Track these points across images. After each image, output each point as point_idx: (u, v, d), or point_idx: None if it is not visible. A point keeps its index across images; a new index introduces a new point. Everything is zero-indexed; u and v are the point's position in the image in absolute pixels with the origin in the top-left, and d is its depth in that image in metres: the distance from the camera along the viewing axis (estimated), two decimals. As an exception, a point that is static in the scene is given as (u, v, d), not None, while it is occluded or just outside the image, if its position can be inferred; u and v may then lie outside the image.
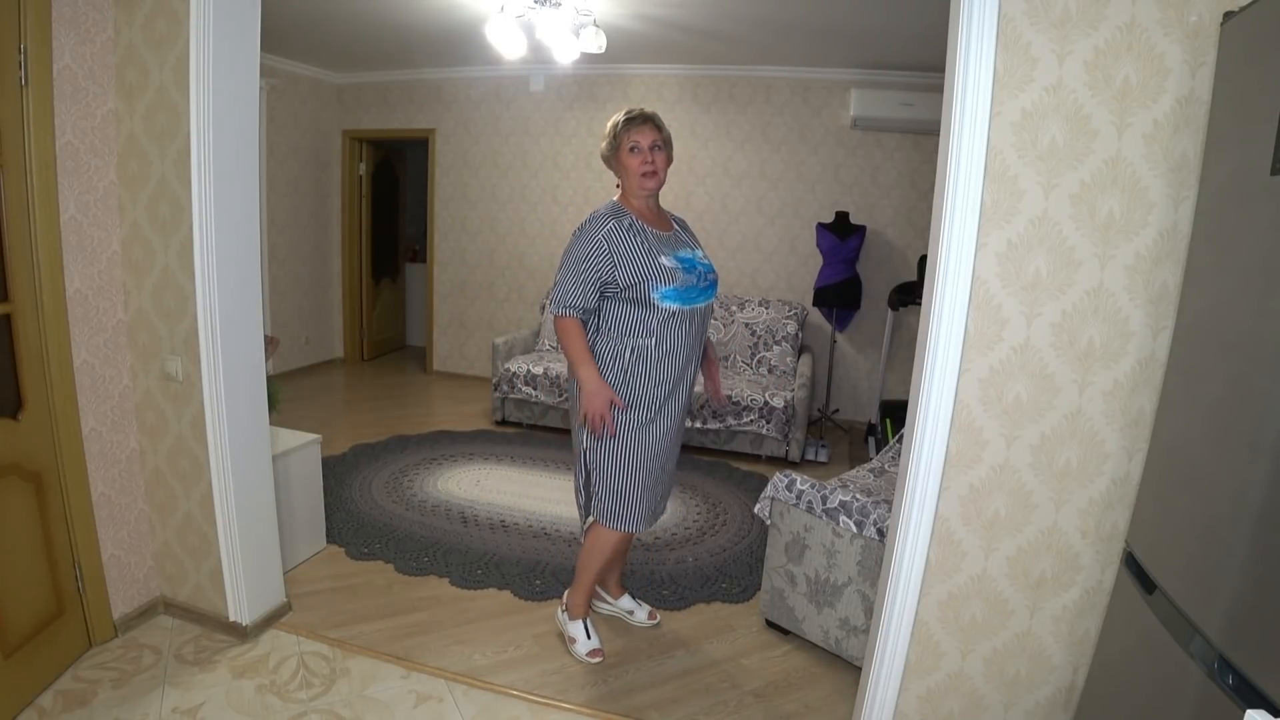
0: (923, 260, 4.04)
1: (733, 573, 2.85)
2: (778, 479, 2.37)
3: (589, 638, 2.27)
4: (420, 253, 7.10)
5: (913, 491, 1.63)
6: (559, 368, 4.39)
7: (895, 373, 4.62)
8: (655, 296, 1.99)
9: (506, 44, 3.33)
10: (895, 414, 4.04)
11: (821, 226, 4.61)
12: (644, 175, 2.03)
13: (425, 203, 6.09)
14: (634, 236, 2.00)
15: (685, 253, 2.09)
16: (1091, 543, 1.56)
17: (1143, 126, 1.40)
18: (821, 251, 4.62)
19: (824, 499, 2.22)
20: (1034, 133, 1.45)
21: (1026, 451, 1.56)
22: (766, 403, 4.04)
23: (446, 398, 5.38)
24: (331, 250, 6.10)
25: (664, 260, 2.00)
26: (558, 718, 2.00)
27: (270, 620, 2.34)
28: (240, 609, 2.26)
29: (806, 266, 5.01)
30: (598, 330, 2.07)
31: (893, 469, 2.63)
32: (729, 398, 4.09)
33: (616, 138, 2.04)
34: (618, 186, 2.12)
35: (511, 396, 4.55)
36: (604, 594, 2.49)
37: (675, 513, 3.36)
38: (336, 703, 1.99)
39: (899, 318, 4.39)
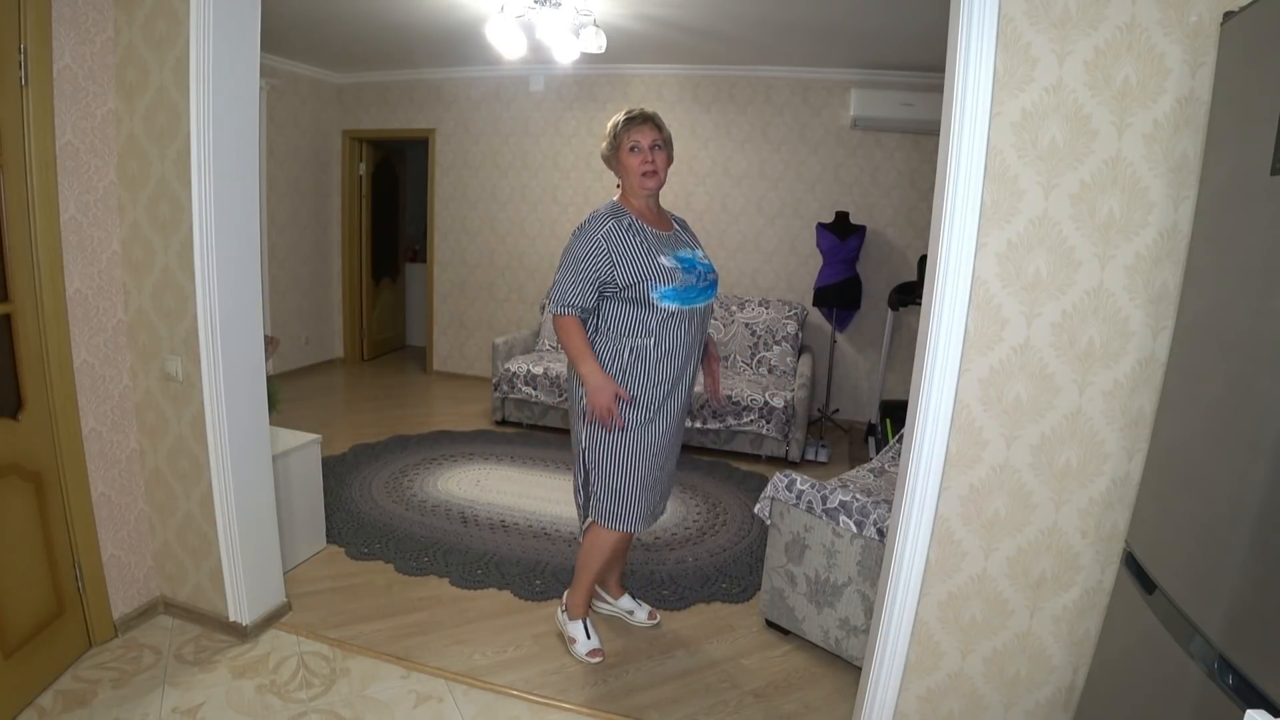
0: (923, 260, 4.04)
1: (733, 573, 2.85)
2: (778, 479, 2.37)
3: (589, 638, 2.27)
4: (420, 253, 7.10)
5: (913, 491, 1.63)
6: (559, 368, 4.40)
7: (895, 373, 4.62)
8: (654, 296, 1.98)
9: (506, 44, 3.33)
10: (895, 414, 4.04)
11: (821, 226, 4.61)
12: (644, 175, 2.03)
13: (425, 203, 6.09)
14: (633, 236, 2.00)
15: (685, 252, 2.08)
16: (1091, 543, 1.56)
17: (1143, 126, 1.40)
18: (821, 251, 4.62)
19: (824, 499, 2.22)
20: (1034, 133, 1.45)
21: (1026, 451, 1.56)
22: (766, 403, 4.04)
23: (446, 398, 5.38)
24: (331, 250, 6.10)
25: (663, 260, 2.00)
26: (558, 718, 2.00)
27: (270, 620, 2.34)
28: (240, 609, 2.26)
29: (806, 266, 5.01)
30: (596, 330, 2.07)
31: (893, 469, 2.63)
32: (729, 398, 4.09)
33: (617, 137, 2.04)
34: (618, 186, 2.12)
35: (511, 396, 4.55)
36: (604, 594, 2.49)
37: (675, 513, 3.36)
38: (336, 703, 1.99)
39: (899, 318, 4.39)
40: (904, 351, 4.56)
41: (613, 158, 2.08)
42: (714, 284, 2.14)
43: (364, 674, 2.13)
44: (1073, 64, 1.41)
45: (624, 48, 4.48)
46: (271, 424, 2.38)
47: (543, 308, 5.15)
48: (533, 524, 3.20)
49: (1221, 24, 1.30)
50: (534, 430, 4.58)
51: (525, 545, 2.99)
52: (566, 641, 2.31)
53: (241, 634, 2.26)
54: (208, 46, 1.92)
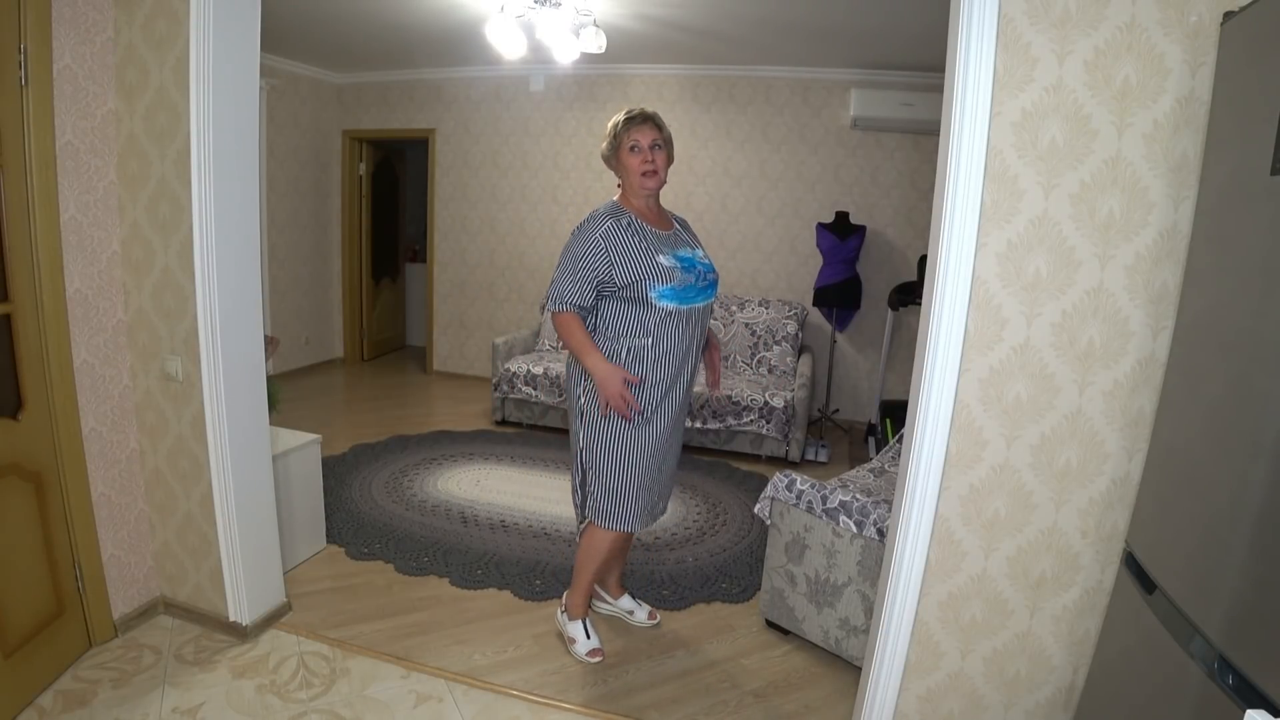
0: (923, 260, 4.04)
1: (733, 573, 2.85)
2: (778, 479, 2.37)
3: (588, 637, 2.27)
4: (420, 253, 7.10)
5: (913, 491, 1.63)
6: (559, 368, 4.40)
7: (895, 373, 4.62)
8: (652, 296, 1.98)
9: (506, 44, 3.33)
10: (895, 414, 4.04)
11: (821, 226, 4.61)
12: (644, 175, 2.03)
13: (425, 203, 6.09)
14: (632, 235, 2.00)
15: (685, 252, 2.08)
16: (1091, 543, 1.56)
17: (1143, 126, 1.40)
18: (821, 251, 4.62)
19: (824, 499, 2.22)
20: (1034, 133, 1.45)
21: (1026, 451, 1.56)
22: (766, 403, 4.04)
23: (446, 398, 5.38)
24: (331, 250, 6.10)
25: (662, 259, 2.00)
26: (558, 718, 2.00)
27: (270, 620, 2.34)
28: (240, 609, 2.26)
29: (806, 266, 5.01)
30: (594, 330, 2.07)
31: (893, 469, 2.63)
32: (729, 398, 4.09)
33: (617, 137, 2.04)
34: (619, 186, 2.12)
35: (511, 396, 4.55)
36: (604, 594, 2.49)
37: (675, 513, 3.36)
38: (336, 703, 1.99)
39: (899, 318, 4.39)
40: (904, 351, 4.56)
41: (613, 157, 2.08)
42: (714, 284, 2.14)
43: (364, 674, 2.13)
44: (1073, 64, 1.41)
45: (624, 48, 4.48)
46: (271, 424, 2.38)
47: (542, 308, 5.14)
48: (533, 524, 3.20)
49: (1221, 24, 1.30)
50: (534, 430, 4.58)
51: (525, 545, 2.99)
52: (566, 641, 2.30)
53: (241, 634, 2.26)
54: (208, 46, 1.92)
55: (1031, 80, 1.44)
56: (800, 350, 4.79)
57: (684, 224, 2.23)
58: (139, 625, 2.29)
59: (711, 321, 2.25)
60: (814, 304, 4.61)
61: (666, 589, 2.69)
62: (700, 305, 2.08)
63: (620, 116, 2.05)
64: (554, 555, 2.91)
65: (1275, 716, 0.78)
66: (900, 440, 2.55)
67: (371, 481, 3.58)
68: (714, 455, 4.23)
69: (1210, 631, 1.11)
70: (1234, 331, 1.17)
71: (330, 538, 2.94)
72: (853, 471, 2.66)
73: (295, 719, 1.92)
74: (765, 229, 5.12)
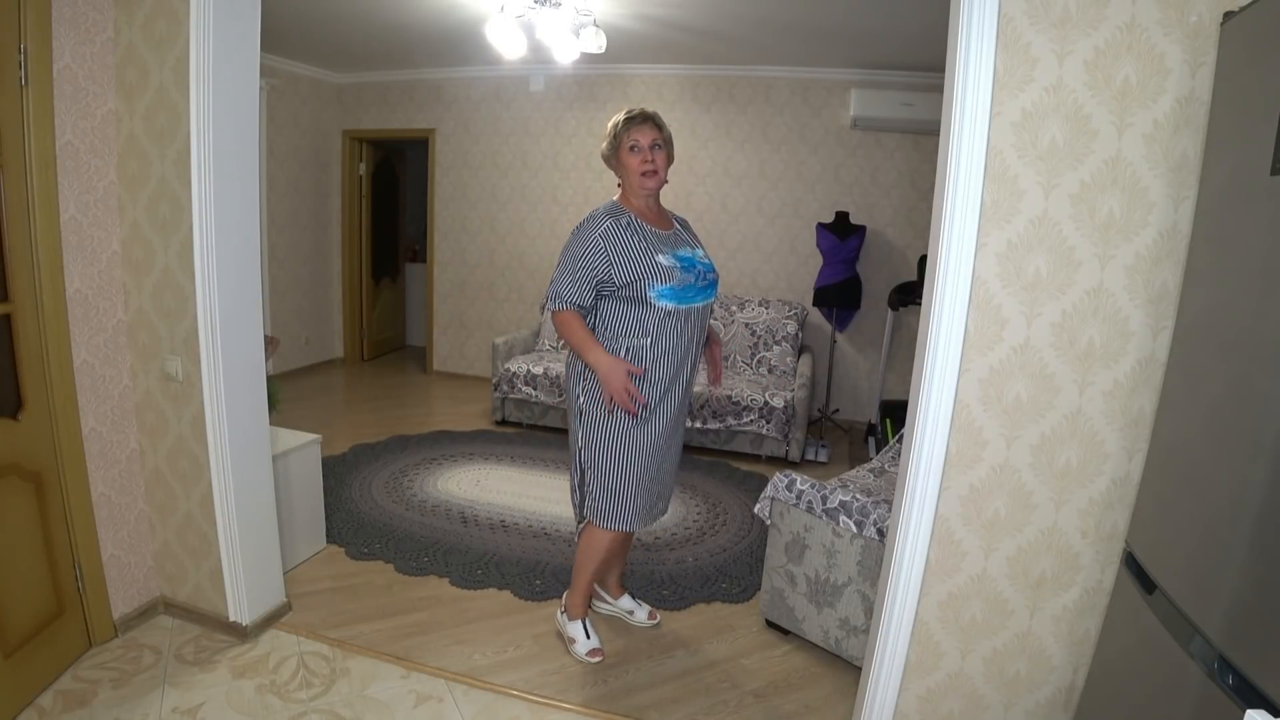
0: (923, 260, 4.04)
1: (733, 573, 2.85)
2: (778, 479, 2.37)
3: (588, 637, 2.27)
4: (420, 253, 7.10)
5: (913, 491, 1.63)
6: (559, 368, 4.39)
7: (895, 373, 4.62)
8: (651, 295, 1.98)
9: (506, 44, 3.33)
10: (895, 414, 4.04)
11: (821, 226, 4.61)
12: (644, 174, 2.03)
13: (425, 203, 6.09)
14: (631, 235, 2.00)
15: (685, 251, 2.08)
16: (1091, 543, 1.56)
17: (1143, 126, 1.40)
18: (821, 251, 4.62)
19: (824, 499, 2.22)
20: (1034, 133, 1.45)
21: (1026, 451, 1.56)
22: (766, 403, 4.04)
23: (446, 398, 5.38)
24: (331, 250, 6.10)
25: (661, 259, 2.00)
26: (558, 718, 2.00)
27: (270, 620, 2.34)
28: (240, 609, 2.26)
29: (806, 266, 5.01)
30: (593, 329, 2.06)
31: (893, 469, 2.63)
32: (729, 398, 4.09)
33: (617, 137, 2.04)
34: (619, 186, 2.12)
35: (511, 396, 4.55)
36: (604, 594, 2.49)
37: (675, 513, 3.36)
38: (336, 703, 1.99)
39: (899, 318, 4.39)
40: (904, 351, 4.56)
41: (613, 157, 2.08)
42: (714, 283, 2.13)
43: (364, 674, 2.13)
44: (1073, 64, 1.41)
45: (624, 48, 4.48)
46: (271, 424, 2.38)
47: (542, 308, 5.15)
48: (533, 524, 3.20)
49: (1221, 24, 1.30)
50: (534, 430, 4.58)
51: (525, 545, 2.99)
52: (566, 642, 2.30)
53: (241, 634, 2.26)
54: (208, 46, 1.92)
55: (1031, 80, 1.44)
56: (800, 350, 4.79)
57: (684, 224, 2.23)
58: (139, 625, 2.29)
59: (712, 321, 2.24)
60: (814, 304, 4.61)
61: (666, 589, 2.69)
62: (700, 305, 2.08)
63: (620, 116, 2.05)
64: (554, 555, 2.91)
65: (1275, 716, 0.78)
66: (900, 440, 2.55)
67: (371, 481, 3.58)
68: (714, 455, 4.23)
69: (1210, 631, 1.11)
70: (1234, 331, 1.17)
71: (330, 538, 2.94)
72: (853, 471, 2.66)
73: (295, 719, 1.92)
74: (765, 229, 5.12)
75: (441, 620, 2.44)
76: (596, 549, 2.21)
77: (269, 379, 2.37)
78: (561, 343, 4.79)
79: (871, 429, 4.48)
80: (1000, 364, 1.54)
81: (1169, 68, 1.37)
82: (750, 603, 2.64)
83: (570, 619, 2.31)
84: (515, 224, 5.65)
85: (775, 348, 4.66)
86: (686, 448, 3.50)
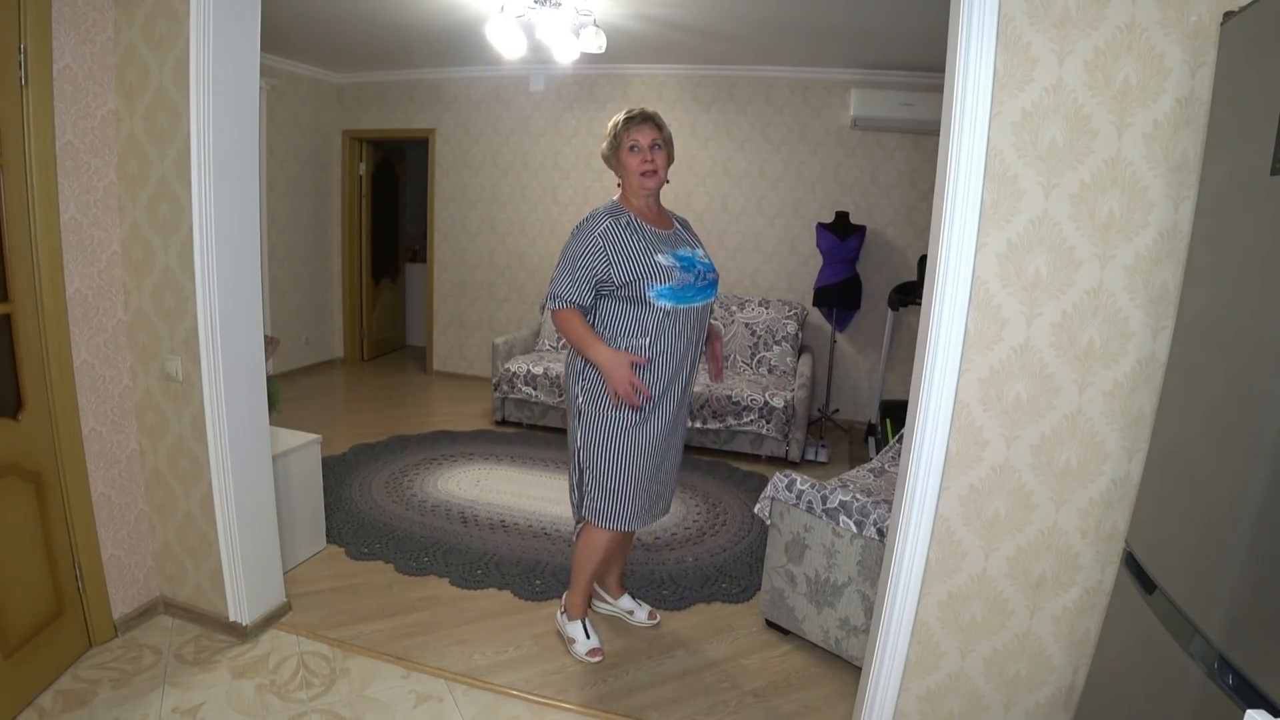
0: (923, 260, 4.04)
1: (733, 573, 2.85)
2: (778, 479, 2.37)
3: (588, 637, 2.27)
4: (420, 253, 7.10)
5: (913, 491, 1.63)
6: (559, 368, 4.39)
7: (895, 373, 4.62)
8: (651, 295, 1.98)
9: (506, 44, 3.33)
10: (895, 414, 4.04)
11: (821, 226, 4.61)
12: (644, 174, 2.03)
13: (425, 203, 6.09)
14: (631, 234, 2.00)
15: (685, 251, 2.08)
16: (1091, 543, 1.56)
17: (1143, 126, 1.40)
18: (821, 251, 4.62)
19: (824, 499, 2.22)
20: (1034, 133, 1.45)
21: (1026, 451, 1.56)
22: (766, 403, 4.04)
23: (446, 398, 5.38)
24: (331, 250, 6.10)
25: (660, 258, 2.00)
26: (558, 718, 2.00)
27: (270, 620, 2.34)
28: (240, 609, 2.26)
29: (806, 266, 5.01)
30: (593, 329, 2.07)
31: (893, 469, 2.63)
32: (729, 398, 4.09)
33: (617, 137, 2.04)
34: (619, 186, 2.12)
35: (511, 396, 4.55)
36: (604, 594, 2.49)
37: (675, 513, 3.37)
38: (336, 703, 1.99)
39: (899, 318, 4.39)
40: (904, 351, 4.56)
41: (613, 157, 2.08)
42: (714, 283, 2.13)
43: (364, 674, 2.13)
44: (1073, 64, 1.41)
45: (624, 48, 4.48)
46: (271, 424, 2.38)
47: (542, 307, 5.15)
48: (533, 524, 3.20)
49: (1221, 24, 1.30)
50: (534, 430, 4.58)
51: (525, 545, 2.99)
52: (566, 642, 2.30)
53: (241, 634, 2.26)
54: (208, 46, 1.92)
55: (1031, 80, 1.44)
56: (800, 350, 4.79)
57: (685, 223, 2.23)
58: (139, 625, 2.29)
59: (712, 319, 2.25)
60: (814, 304, 4.61)
61: (666, 589, 2.69)
62: (699, 305, 2.08)
63: (620, 116, 2.05)
64: (554, 555, 2.91)
65: (1275, 716, 0.78)
66: (900, 440, 2.55)
67: (371, 481, 3.58)
68: (714, 455, 4.23)
69: (1210, 631, 1.11)
70: (1234, 331, 1.17)
71: (330, 538, 2.94)
72: (853, 471, 2.66)
73: (295, 719, 1.92)
74: (765, 229, 5.12)
75: (441, 620, 2.44)
76: (595, 549, 2.21)
77: (269, 379, 2.37)
78: (562, 342, 4.80)
79: (871, 429, 4.48)
80: (1000, 364, 1.54)
81: (1169, 68, 1.37)
82: (750, 603, 2.64)
83: (570, 619, 2.31)
84: (515, 224, 5.65)
85: (775, 348, 4.66)
86: (686, 448, 3.49)
